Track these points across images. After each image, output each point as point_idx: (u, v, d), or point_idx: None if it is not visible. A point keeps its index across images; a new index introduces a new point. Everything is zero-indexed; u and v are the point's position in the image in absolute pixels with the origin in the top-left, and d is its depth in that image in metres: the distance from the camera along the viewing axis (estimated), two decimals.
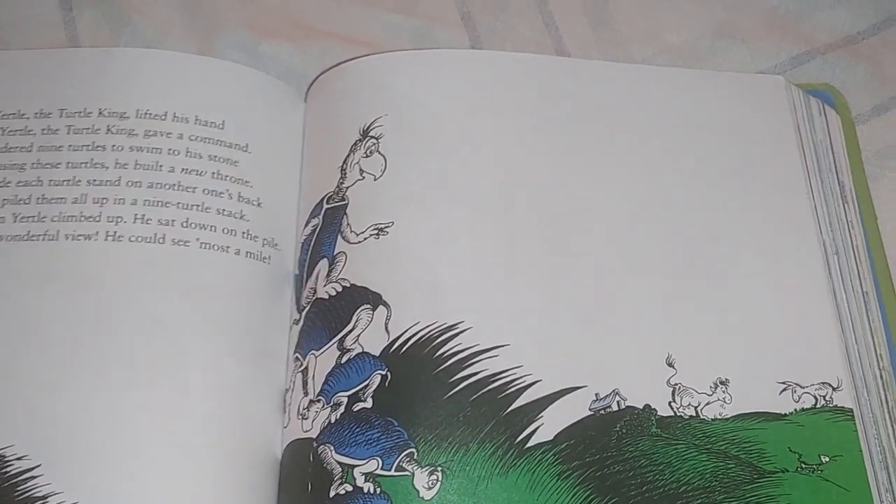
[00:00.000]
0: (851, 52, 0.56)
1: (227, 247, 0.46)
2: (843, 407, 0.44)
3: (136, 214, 0.45)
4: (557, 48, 0.56)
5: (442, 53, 0.53)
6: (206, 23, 0.56)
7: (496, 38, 0.56)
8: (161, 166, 0.46)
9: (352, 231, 0.46)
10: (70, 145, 0.47)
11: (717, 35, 0.56)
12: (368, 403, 0.43)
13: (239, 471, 0.43)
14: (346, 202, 0.47)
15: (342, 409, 0.43)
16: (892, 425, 0.45)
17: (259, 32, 0.56)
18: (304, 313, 0.46)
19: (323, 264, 0.46)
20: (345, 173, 0.47)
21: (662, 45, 0.56)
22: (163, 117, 0.47)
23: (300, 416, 0.44)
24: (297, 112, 0.51)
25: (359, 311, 0.44)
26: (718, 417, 0.43)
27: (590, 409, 0.43)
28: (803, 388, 0.44)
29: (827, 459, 0.43)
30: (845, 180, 0.50)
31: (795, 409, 0.44)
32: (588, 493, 0.42)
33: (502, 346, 0.44)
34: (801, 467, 0.43)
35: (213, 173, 0.47)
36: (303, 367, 0.45)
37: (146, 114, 0.47)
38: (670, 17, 0.57)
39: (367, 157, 0.47)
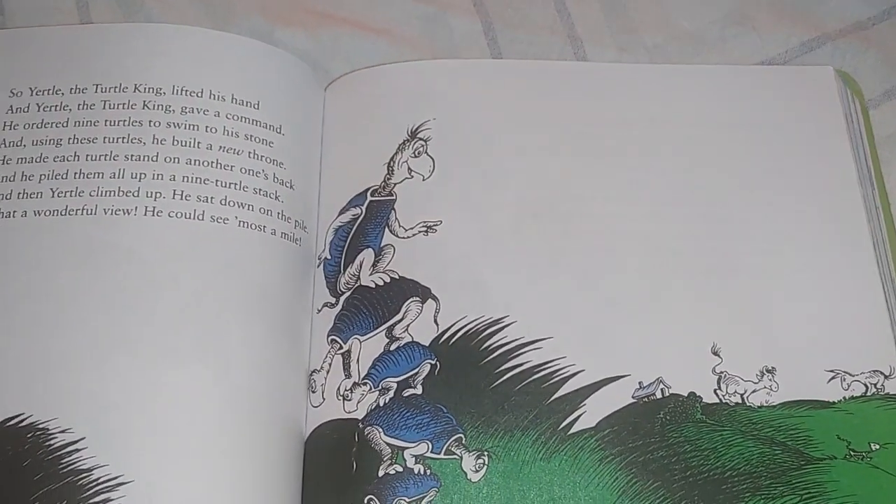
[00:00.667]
0: (861, 37, 0.56)
1: (264, 226, 0.45)
2: (894, 395, 0.45)
3: (174, 190, 0.45)
4: (570, 34, 0.56)
5: (481, 63, 0.54)
6: (220, 9, 0.56)
7: (508, 24, 0.57)
8: (199, 143, 0.46)
9: (400, 226, 0.47)
10: (107, 120, 0.46)
11: (728, 22, 0.57)
12: (418, 390, 0.44)
13: (270, 447, 0.43)
14: (393, 198, 0.48)
15: (391, 393, 0.44)
16: None
17: (273, 19, 0.56)
18: (343, 298, 0.46)
19: (367, 254, 0.47)
20: (392, 170, 0.49)
21: (673, 31, 0.56)
22: (199, 94, 0.47)
23: (341, 397, 0.44)
24: (318, 98, 0.51)
25: (408, 302, 0.46)
26: (765, 405, 0.44)
27: (633, 397, 0.44)
28: (853, 376, 0.45)
29: (877, 447, 0.44)
30: (871, 165, 0.51)
31: (844, 398, 0.44)
32: (630, 477, 0.43)
33: (545, 338, 0.45)
34: (850, 454, 0.43)
35: (250, 153, 0.46)
36: (343, 350, 0.45)
37: (182, 90, 0.47)
38: (681, 4, 0.57)
39: (416, 157, 0.49)
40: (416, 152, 0.49)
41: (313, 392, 0.45)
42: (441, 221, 0.47)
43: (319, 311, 0.47)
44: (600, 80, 0.52)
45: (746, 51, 0.56)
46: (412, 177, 0.49)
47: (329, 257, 0.48)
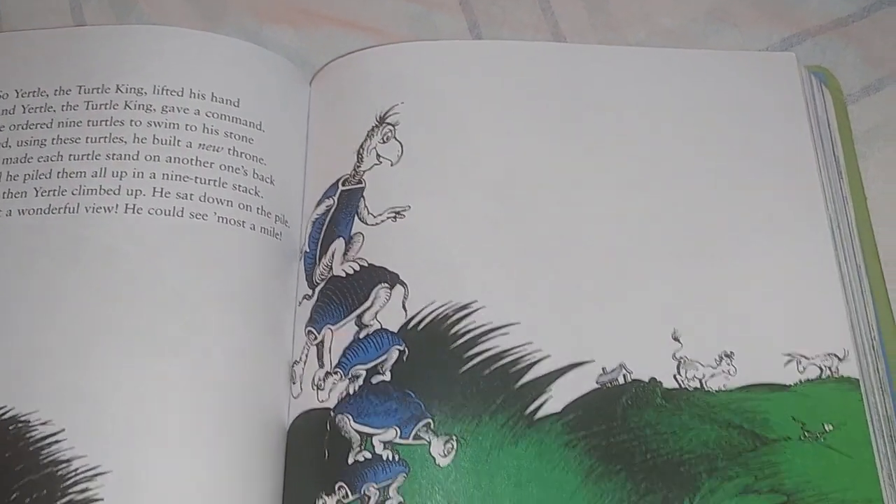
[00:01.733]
0: (842, 34, 0.57)
1: (243, 222, 0.47)
2: (848, 377, 0.45)
3: (154, 188, 0.46)
4: (554, 32, 0.57)
5: (454, 45, 0.55)
6: (210, 8, 0.57)
7: (493, 22, 0.58)
8: (179, 141, 0.47)
9: (369, 213, 0.48)
10: (89, 121, 0.48)
11: (710, 18, 0.58)
12: (387, 377, 0.45)
13: (251, 438, 0.44)
14: (362, 185, 0.49)
15: (360, 381, 0.45)
16: (882, 394, 0.47)
17: (262, 17, 0.57)
18: (317, 290, 0.47)
19: (339, 243, 0.48)
20: (361, 157, 0.49)
21: (656, 28, 0.57)
22: (179, 93, 0.48)
23: (315, 387, 0.45)
24: (303, 94, 0.52)
25: (377, 289, 0.46)
26: (723, 389, 0.45)
27: (597, 383, 0.45)
28: (809, 359, 0.46)
29: (830, 428, 0.44)
30: (839, 155, 0.52)
31: (800, 380, 0.45)
32: (594, 460, 0.43)
33: (513, 324, 0.46)
34: (805, 435, 0.44)
35: (230, 149, 0.48)
36: (318, 341, 0.46)
37: (163, 90, 0.48)
38: (663, 1, 0.58)
39: (384, 143, 0.49)
40: (385, 138, 0.49)
41: (294, 383, 0.47)
42: (409, 207, 0.48)
43: (300, 303, 0.48)
44: (568, 63, 0.52)
45: (727, 47, 0.57)
46: (380, 163, 0.49)
47: (308, 250, 0.49)
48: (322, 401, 0.45)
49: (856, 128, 0.54)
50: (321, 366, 0.46)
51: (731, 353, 0.45)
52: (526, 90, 0.51)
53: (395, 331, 0.45)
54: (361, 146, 0.49)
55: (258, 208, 0.47)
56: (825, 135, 0.52)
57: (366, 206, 0.48)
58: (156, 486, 0.42)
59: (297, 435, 0.45)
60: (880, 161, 0.54)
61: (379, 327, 0.45)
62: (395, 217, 0.48)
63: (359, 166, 0.49)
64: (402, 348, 0.45)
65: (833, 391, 0.45)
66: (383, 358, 0.45)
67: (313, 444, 0.44)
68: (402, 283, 0.46)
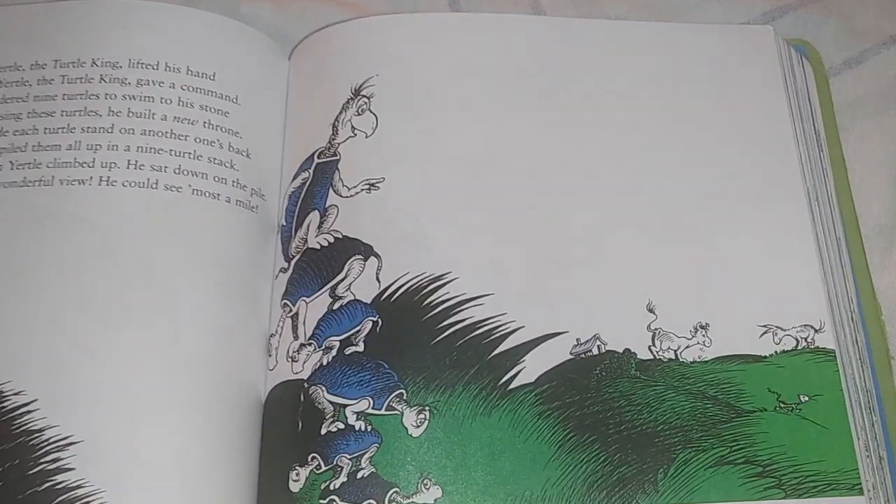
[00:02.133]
0: (823, 6, 0.57)
1: (218, 194, 0.47)
2: (824, 348, 0.45)
3: (129, 160, 0.46)
4: (533, 5, 0.57)
5: (431, 17, 0.54)
6: None
7: None
8: (153, 114, 0.47)
9: (344, 185, 0.48)
10: (64, 94, 0.47)
11: None
12: (360, 347, 0.45)
13: (225, 410, 0.44)
14: (337, 157, 0.48)
15: (334, 352, 0.45)
16: (861, 366, 0.46)
17: None
18: (293, 262, 0.47)
19: (314, 216, 0.48)
20: (336, 130, 0.49)
21: (636, 2, 0.57)
22: (155, 67, 0.48)
23: (290, 359, 0.45)
24: (282, 69, 0.52)
25: (351, 260, 0.46)
26: (698, 360, 0.45)
27: (571, 354, 0.45)
28: (785, 330, 0.46)
29: (806, 399, 0.44)
30: (819, 128, 0.52)
31: (776, 352, 0.45)
32: (567, 431, 0.43)
33: (487, 294, 0.46)
34: (780, 406, 0.44)
35: (205, 122, 0.48)
36: (293, 313, 0.46)
37: (138, 63, 0.48)
38: None
39: (359, 115, 0.49)
40: (360, 110, 0.49)
41: (270, 356, 0.47)
42: (384, 178, 0.48)
43: (277, 276, 0.48)
44: (548, 36, 0.52)
45: (709, 21, 0.57)
46: (355, 135, 0.49)
47: (284, 223, 0.49)
48: (296, 372, 0.45)
49: (837, 100, 0.54)
50: (296, 338, 0.46)
51: (706, 324, 0.45)
52: (504, 63, 0.51)
53: (369, 302, 0.45)
54: (337, 119, 0.49)
55: (233, 181, 0.47)
56: (805, 107, 0.51)
57: (340, 178, 0.48)
58: (128, 455, 0.42)
59: (273, 407, 0.45)
60: (861, 134, 0.54)
61: (353, 298, 0.45)
62: (369, 189, 0.47)
63: (334, 139, 0.49)
64: (375, 319, 0.45)
65: (809, 362, 0.45)
66: (357, 329, 0.45)
67: (287, 415, 0.44)
68: (376, 255, 0.46)
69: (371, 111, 0.49)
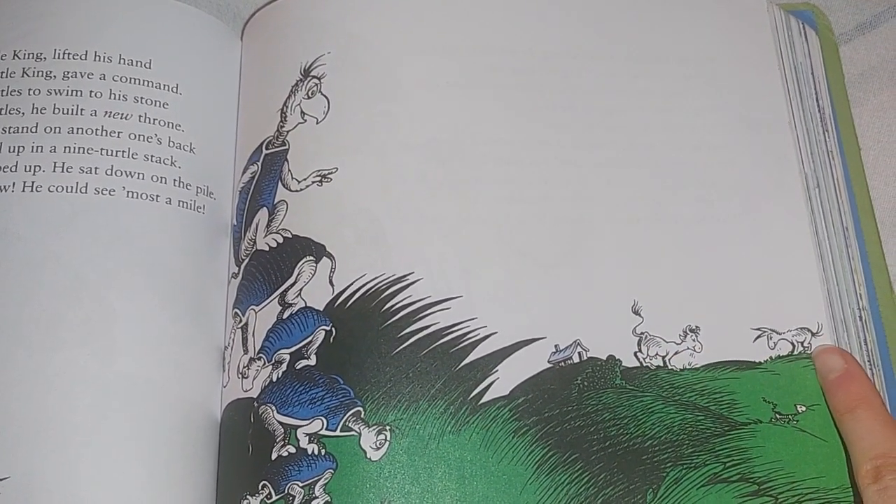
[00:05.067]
0: None
1: (157, 196, 0.43)
2: None
3: (55, 162, 0.43)
4: None
5: None
6: None
7: None
8: (82, 110, 0.44)
9: (293, 178, 0.44)
10: None
11: None
12: (312, 361, 0.41)
13: (175, 433, 0.41)
14: (286, 147, 0.44)
15: (284, 366, 0.41)
16: (871, 368, 0.43)
17: None
18: (242, 266, 0.43)
19: (262, 214, 0.44)
20: (285, 116, 0.45)
21: None
22: (83, 57, 0.44)
23: (240, 375, 0.42)
24: (232, 51, 0.48)
25: (301, 263, 0.42)
26: (688, 367, 0.42)
27: (549, 362, 0.41)
28: (780, 334, 0.43)
29: (803, 409, 0.41)
30: (825, 106, 0.48)
31: (771, 357, 0.42)
32: (546, 449, 0.40)
33: (455, 297, 0.42)
34: (776, 418, 0.41)
35: (140, 116, 0.44)
36: (242, 324, 0.42)
37: (65, 54, 0.44)
38: None
39: (309, 98, 0.45)
40: (310, 93, 0.45)
41: (224, 371, 0.43)
42: (336, 169, 0.44)
43: (229, 282, 0.44)
44: (519, 7, 0.47)
45: None
46: (305, 121, 0.45)
47: (236, 223, 0.45)
48: (246, 390, 0.41)
49: (848, 71, 0.50)
50: (245, 351, 0.42)
51: (697, 327, 0.42)
52: (473, 39, 0.47)
53: (321, 309, 0.41)
54: (285, 103, 0.45)
55: (175, 180, 0.44)
56: (806, 84, 0.48)
57: (290, 170, 0.44)
58: (60, 492, 0.38)
59: (226, 428, 0.42)
60: (875, 107, 0.50)
61: (303, 306, 0.42)
62: (320, 181, 0.43)
63: (282, 126, 0.45)
64: (328, 328, 0.41)
65: (806, 369, 0.42)
66: (308, 340, 0.41)
67: (238, 438, 0.41)
68: (329, 256, 0.42)
69: (322, 93, 0.45)
